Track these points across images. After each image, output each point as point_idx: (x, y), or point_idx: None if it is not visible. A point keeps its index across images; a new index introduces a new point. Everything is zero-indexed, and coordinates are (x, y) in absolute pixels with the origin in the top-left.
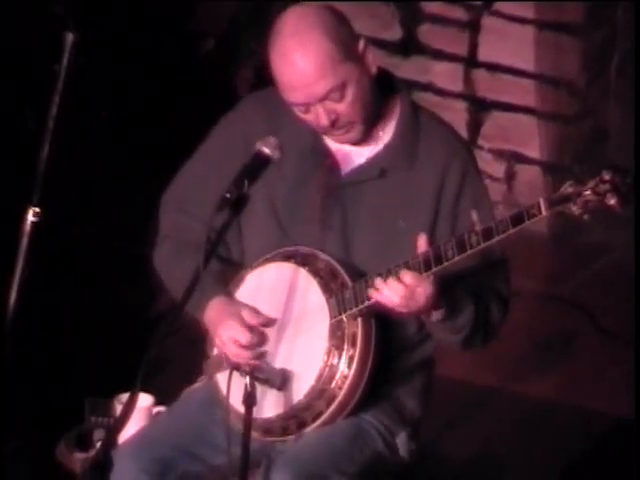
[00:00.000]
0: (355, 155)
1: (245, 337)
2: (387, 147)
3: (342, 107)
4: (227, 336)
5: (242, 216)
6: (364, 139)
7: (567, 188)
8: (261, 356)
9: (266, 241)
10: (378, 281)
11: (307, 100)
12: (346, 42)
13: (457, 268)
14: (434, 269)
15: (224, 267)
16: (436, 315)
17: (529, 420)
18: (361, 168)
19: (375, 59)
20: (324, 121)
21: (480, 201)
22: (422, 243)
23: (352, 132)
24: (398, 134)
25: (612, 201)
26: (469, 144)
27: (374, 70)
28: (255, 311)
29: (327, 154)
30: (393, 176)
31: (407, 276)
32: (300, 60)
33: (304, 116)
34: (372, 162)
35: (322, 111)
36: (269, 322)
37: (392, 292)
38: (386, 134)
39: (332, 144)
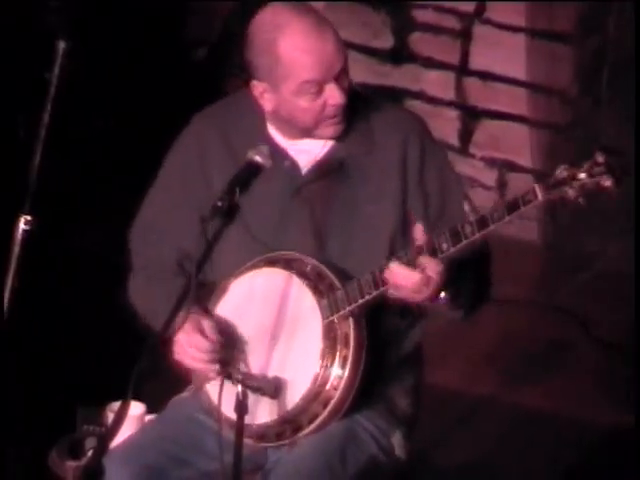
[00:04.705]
0: (311, 152)
1: (196, 340)
2: (340, 137)
3: (346, 86)
4: (182, 341)
5: (208, 232)
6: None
7: (562, 172)
8: (221, 360)
9: (239, 252)
10: (394, 265)
11: (326, 74)
12: None
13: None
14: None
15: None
16: (441, 301)
17: (523, 429)
18: (320, 163)
19: None
20: (339, 98)
21: (444, 168)
22: (419, 233)
23: (343, 121)
24: (349, 123)
25: (607, 183)
26: (420, 116)
27: None
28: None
29: (284, 155)
30: (354, 164)
31: (426, 260)
32: (324, 34)
33: (310, 104)
34: (330, 155)
35: (337, 87)
36: (226, 326)
37: (407, 277)
38: None
39: (288, 146)
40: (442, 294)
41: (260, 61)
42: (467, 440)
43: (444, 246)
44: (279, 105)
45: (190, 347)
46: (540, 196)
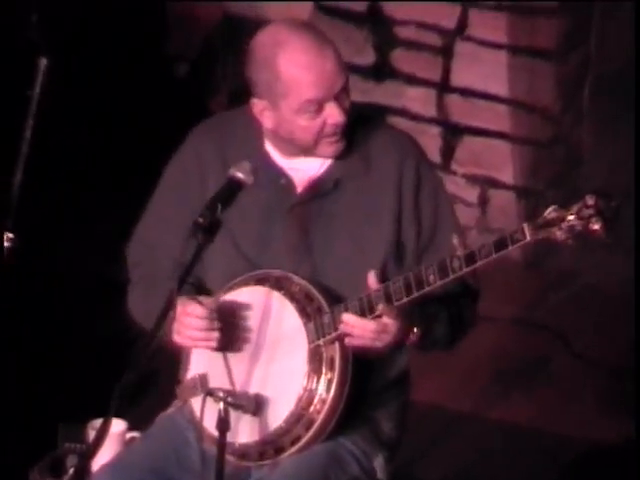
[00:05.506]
0: (308, 171)
1: (192, 308)
2: (337, 157)
3: (347, 106)
4: (179, 313)
5: (193, 248)
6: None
7: (551, 213)
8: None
9: (229, 270)
10: (346, 316)
11: (327, 93)
12: None
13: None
14: (415, 294)
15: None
16: (412, 338)
17: (502, 445)
18: (316, 183)
19: None
20: (339, 117)
21: (438, 190)
22: (372, 281)
23: (343, 139)
24: (346, 143)
25: (596, 226)
26: (415, 138)
27: None
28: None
29: (280, 173)
30: (349, 184)
31: (381, 308)
32: (324, 52)
33: (310, 122)
34: (326, 175)
35: (337, 106)
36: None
37: (362, 326)
38: None
39: (285, 164)
40: (414, 330)
41: (260, 78)
42: (446, 456)
43: (431, 278)
44: (279, 123)
45: (188, 317)
46: (528, 236)
